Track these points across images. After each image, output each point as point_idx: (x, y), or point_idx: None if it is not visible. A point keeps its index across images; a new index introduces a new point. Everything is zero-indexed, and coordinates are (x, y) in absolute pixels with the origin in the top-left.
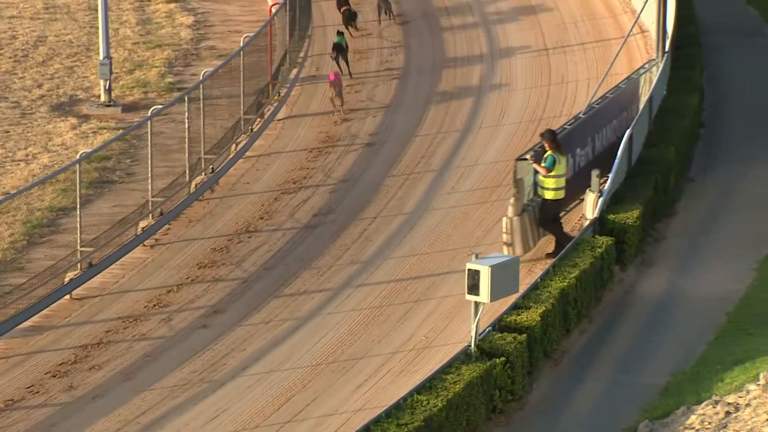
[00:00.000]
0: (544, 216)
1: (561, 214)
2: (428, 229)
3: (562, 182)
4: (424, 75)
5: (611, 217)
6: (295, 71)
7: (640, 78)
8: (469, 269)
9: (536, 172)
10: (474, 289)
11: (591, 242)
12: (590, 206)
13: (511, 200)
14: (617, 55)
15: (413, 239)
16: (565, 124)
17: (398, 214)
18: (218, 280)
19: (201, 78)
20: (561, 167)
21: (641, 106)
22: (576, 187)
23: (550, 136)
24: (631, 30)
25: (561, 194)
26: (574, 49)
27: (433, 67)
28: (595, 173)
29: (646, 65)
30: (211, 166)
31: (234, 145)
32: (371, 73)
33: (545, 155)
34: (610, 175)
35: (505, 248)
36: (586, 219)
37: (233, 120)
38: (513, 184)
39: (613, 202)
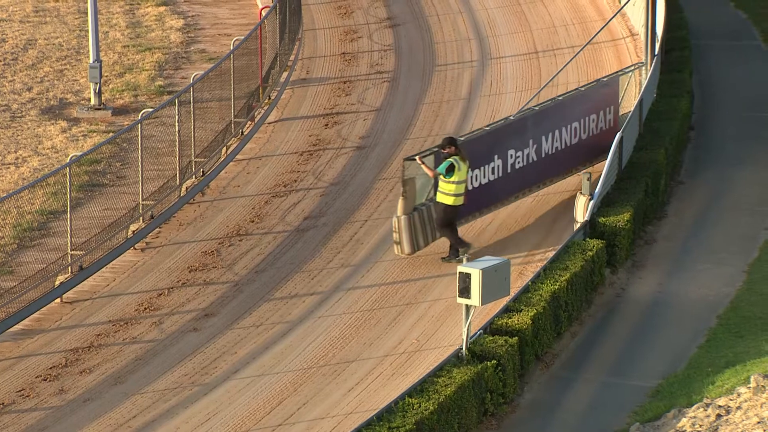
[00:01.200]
0: (440, 220)
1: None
2: None
3: (462, 189)
4: (414, 78)
5: (602, 220)
6: (285, 74)
7: (618, 80)
8: (460, 272)
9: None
10: (465, 292)
11: (582, 245)
12: (581, 209)
13: (400, 199)
14: (571, 60)
15: None
16: (486, 126)
17: (389, 217)
18: (209, 284)
19: (191, 81)
20: (462, 173)
21: (623, 108)
22: (512, 188)
23: (450, 143)
24: (596, 34)
25: (460, 201)
26: (564, 52)
27: (424, 70)
28: (585, 176)
29: (630, 68)
30: (201, 170)
31: (224, 149)
32: (361, 76)
33: (447, 159)
34: (601, 179)
35: (395, 247)
36: (577, 222)
37: (224, 123)
38: (401, 183)
39: (604, 204)
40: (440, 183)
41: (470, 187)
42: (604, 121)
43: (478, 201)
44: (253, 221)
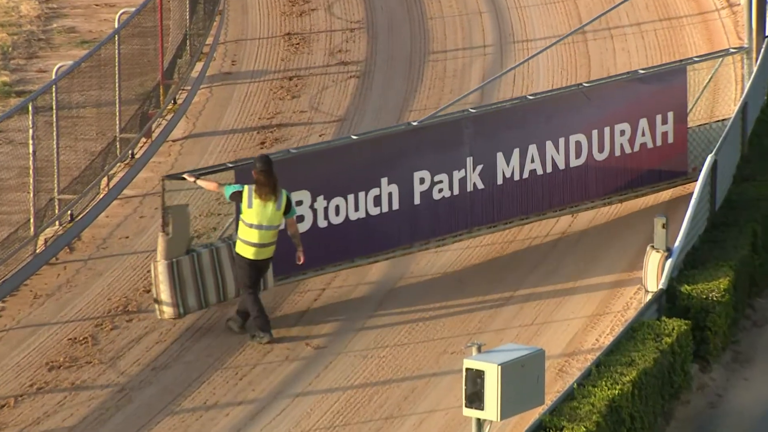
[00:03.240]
0: (240, 278)
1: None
2: (404, 304)
3: (268, 237)
4: (396, 72)
5: (686, 288)
6: (199, 66)
7: (683, 73)
8: (467, 369)
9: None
10: (476, 399)
11: (655, 327)
12: (653, 272)
13: (160, 237)
14: (530, 58)
15: (382, 321)
16: (357, 134)
17: (359, 284)
18: (80, 388)
19: (54, 77)
20: (256, 215)
21: (707, 116)
22: (425, 229)
23: (261, 165)
24: (590, 22)
25: (265, 253)
26: (627, 32)
27: (411, 60)
28: (660, 221)
29: (718, 54)
30: (69, 212)
31: (105, 180)
32: (316, 69)
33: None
34: (683, 225)
35: (156, 307)
36: (648, 291)
37: (104, 141)
38: (162, 214)
39: (689, 265)
40: (239, 226)
41: (325, 225)
42: (652, 134)
43: (344, 246)
44: (148, 291)
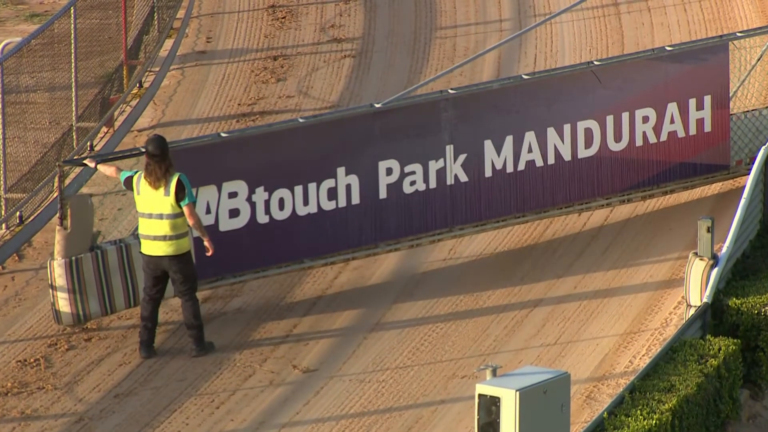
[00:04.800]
0: None
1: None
2: (408, 319)
3: (154, 228)
4: (398, 51)
5: (735, 302)
6: (169, 43)
7: (725, 49)
8: (481, 396)
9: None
10: (490, 430)
11: (699, 348)
12: (697, 283)
13: (57, 231)
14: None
15: (381, 341)
16: (306, 116)
17: (355, 296)
18: (31, 418)
19: None
20: (145, 202)
21: (754, 100)
22: (392, 228)
23: (152, 148)
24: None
25: (150, 249)
26: (666, 3)
27: (415, 37)
28: (705, 224)
29: (758, 30)
30: (18, 214)
31: (60, 176)
32: (305, 47)
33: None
34: (731, 230)
35: (53, 312)
36: (690, 305)
37: (59, 131)
38: (59, 205)
39: (738, 275)
40: None
41: (266, 220)
42: (683, 121)
43: (290, 245)
44: None
